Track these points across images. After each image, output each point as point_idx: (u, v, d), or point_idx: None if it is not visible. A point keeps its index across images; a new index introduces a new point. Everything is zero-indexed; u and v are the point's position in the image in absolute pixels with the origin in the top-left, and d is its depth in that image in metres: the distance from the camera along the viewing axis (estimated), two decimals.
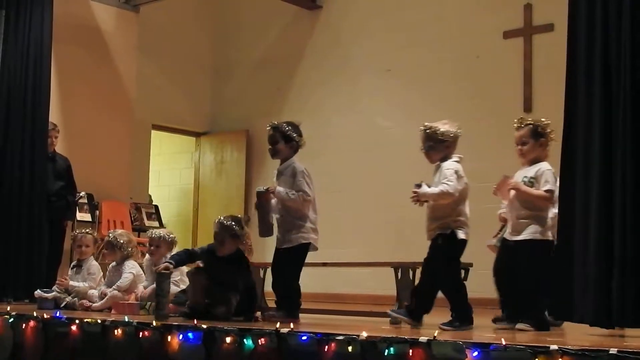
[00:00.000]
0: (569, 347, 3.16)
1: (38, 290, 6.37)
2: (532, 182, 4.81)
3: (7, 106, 7.58)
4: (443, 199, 4.78)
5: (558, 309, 4.48)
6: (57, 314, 5.20)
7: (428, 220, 4.92)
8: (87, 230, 6.87)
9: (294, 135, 5.24)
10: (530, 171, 4.86)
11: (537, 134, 4.88)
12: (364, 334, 3.68)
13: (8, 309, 5.49)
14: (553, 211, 4.75)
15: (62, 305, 6.23)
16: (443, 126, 4.96)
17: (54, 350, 4.93)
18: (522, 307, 4.74)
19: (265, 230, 5.18)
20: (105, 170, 9.68)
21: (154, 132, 11.53)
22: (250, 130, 11.56)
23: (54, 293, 6.32)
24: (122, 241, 6.24)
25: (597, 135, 4.34)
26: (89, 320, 4.82)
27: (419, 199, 4.84)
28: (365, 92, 10.33)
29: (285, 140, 5.22)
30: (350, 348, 3.65)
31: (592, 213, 4.30)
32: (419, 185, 4.86)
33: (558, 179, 4.99)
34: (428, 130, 4.95)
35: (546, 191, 4.73)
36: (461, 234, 4.81)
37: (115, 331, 4.61)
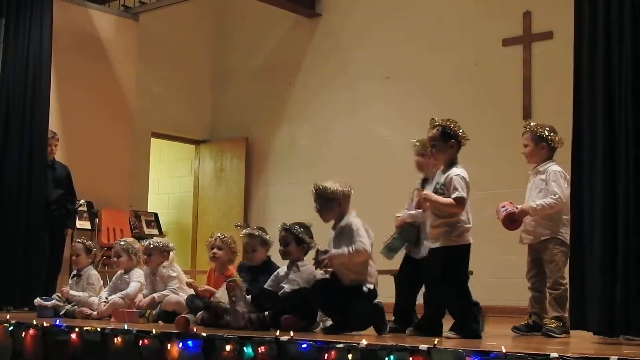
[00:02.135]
0: (570, 354, 3.16)
1: (38, 298, 6.36)
2: (443, 189, 4.69)
3: (6, 114, 7.59)
4: (359, 258, 4.73)
5: (574, 318, 4.46)
6: (57, 322, 5.19)
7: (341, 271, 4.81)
8: (81, 239, 6.86)
9: (306, 237, 5.25)
10: (442, 177, 4.76)
11: (447, 135, 4.74)
12: (364, 342, 3.68)
13: (7, 317, 5.48)
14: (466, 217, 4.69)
15: (62, 313, 6.23)
16: (332, 185, 4.89)
17: (54, 359, 4.92)
18: (453, 316, 4.64)
19: (237, 320, 5.02)
20: (105, 178, 9.67)
21: (153, 140, 11.54)
22: (249, 138, 11.56)
23: (53, 301, 6.32)
24: (136, 247, 6.29)
25: (600, 147, 4.38)
26: (88, 328, 4.81)
27: (330, 263, 4.72)
28: (365, 99, 10.34)
29: (297, 243, 5.23)
30: (350, 356, 3.65)
31: (597, 221, 4.32)
32: (324, 252, 4.74)
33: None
34: (317, 190, 4.90)
35: (455, 199, 4.60)
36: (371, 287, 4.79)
37: (115, 339, 4.61)
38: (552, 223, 5.13)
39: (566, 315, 4.89)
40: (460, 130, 4.77)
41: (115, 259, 6.40)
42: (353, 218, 4.87)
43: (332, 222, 4.97)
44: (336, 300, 4.75)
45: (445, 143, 4.73)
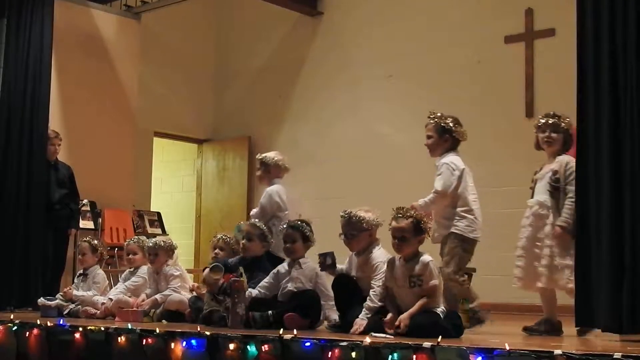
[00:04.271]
0: (573, 351, 3.16)
1: (41, 298, 6.37)
2: (421, 279, 4.45)
3: (7, 114, 7.59)
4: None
5: (579, 314, 4.46)
6: (61, 322, 5.19)
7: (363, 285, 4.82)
8: (87, 238, 6.86)
9: (311, 235, 5.26)
10: (416, 269, 4.47)
11: (419, 230, 4.49)
12: (368, 340, 3.69)
13: (11, 317, 5.49)
14: None
15: (66, 312, 6.24)
16: (365, 213, 4.84)
17: (58, 359, 4.92)
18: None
19: (236, 322, 4.99)
20: (108, 177, 9.67)
21: (156, 140, 11.53)
22: (252, 137, 11.56)
23: (57, 301, 6.33)
24: (147, 246, 6.30)
25: (606, 144, 4.37)
26: (92, 327, 4.82)
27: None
28: (367, 98, 10.33)
29: (304, 240, 5.23)
30: (354, 354, 3.65)
31: (603, 218, 4.31)
32: (333, 267, 4.83)
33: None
34: (352, 219, 4.86)
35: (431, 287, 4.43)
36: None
37: (119, 338, 4.61)
38: (447, 219, 5.00)
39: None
40: (429, 226, 4.63)
41: (130, 256, 6.37)
42: (380, 253, 4.83)
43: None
44: (351, 303, 4.76)
45: (414, 237, 4.51)
